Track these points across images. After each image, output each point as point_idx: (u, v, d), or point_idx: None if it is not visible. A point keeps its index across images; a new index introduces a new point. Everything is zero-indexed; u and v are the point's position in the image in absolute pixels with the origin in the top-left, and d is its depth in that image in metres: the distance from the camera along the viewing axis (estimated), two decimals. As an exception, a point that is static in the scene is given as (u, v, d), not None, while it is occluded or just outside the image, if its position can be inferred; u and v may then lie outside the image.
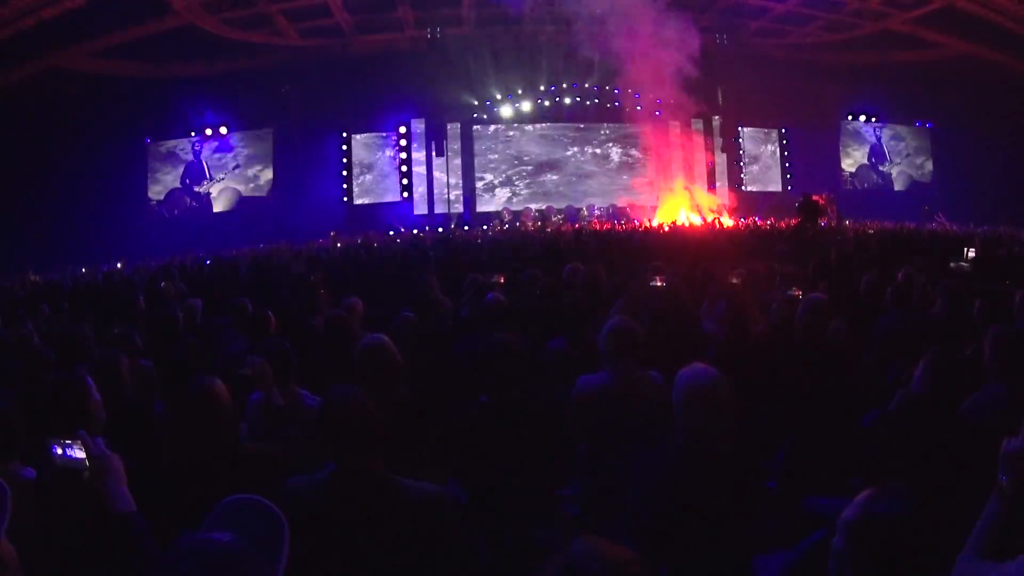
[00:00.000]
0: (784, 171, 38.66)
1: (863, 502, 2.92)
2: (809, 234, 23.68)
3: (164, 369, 7.11)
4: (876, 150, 39.41)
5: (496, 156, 37.42)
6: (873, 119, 38.29)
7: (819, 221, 25.32)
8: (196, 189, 35.78)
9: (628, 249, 19.53)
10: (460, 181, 36.61)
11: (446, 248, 22.33)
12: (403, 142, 36.12)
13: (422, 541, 4.11)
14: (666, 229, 28.10)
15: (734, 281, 11.11)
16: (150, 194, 35.29)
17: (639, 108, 35.41)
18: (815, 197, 32.94)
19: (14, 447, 4.91)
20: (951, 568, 3.18)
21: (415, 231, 32.20)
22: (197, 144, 35.67)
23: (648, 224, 30.48)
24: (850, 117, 37.92)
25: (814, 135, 37.51)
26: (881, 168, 39.44)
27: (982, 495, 3.36)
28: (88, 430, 4.87)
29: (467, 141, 36.72)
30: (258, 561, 2.66)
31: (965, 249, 17.00)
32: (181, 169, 35.73)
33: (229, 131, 35.04)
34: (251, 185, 36.05)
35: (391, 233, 30.82)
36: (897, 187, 39.25)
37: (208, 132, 34.70)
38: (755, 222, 31.21)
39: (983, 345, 5.77)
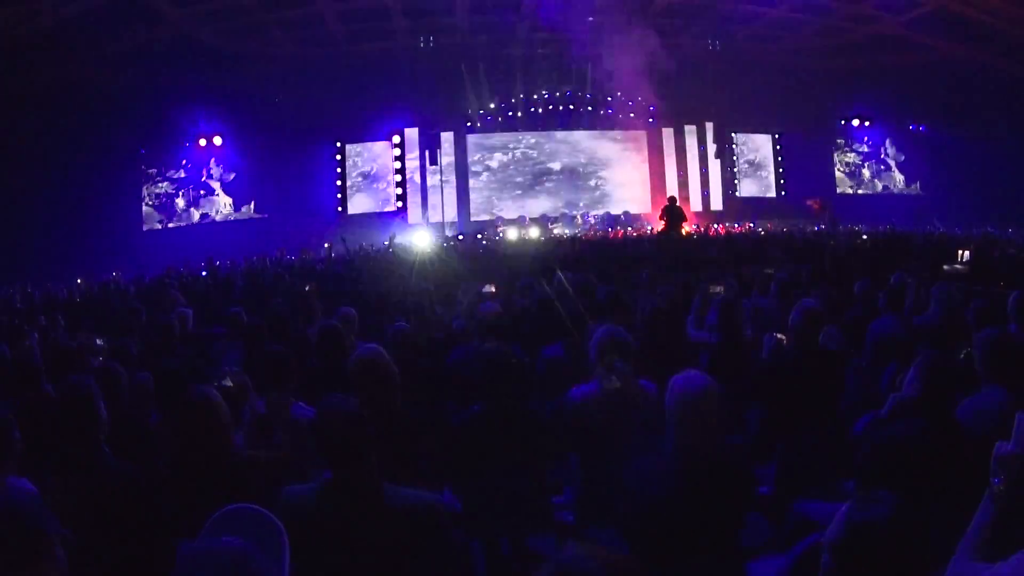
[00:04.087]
0: (778, 176, 38.66)
1: (845, 516, 2.94)
2: (673, 241, 23.58)
3: (159, 380, 7.12)
4: (870, 154, 39.43)
5: (490, 165, 37.41)
6: (867, 123, 38.27)
7: (682, 227, 25.03)
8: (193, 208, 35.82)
9: (622, 257, 19.56)
10: (454, 190, 36.56)
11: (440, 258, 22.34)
12: (397, 151, 36.08)
13: (417, 550, 4.13)
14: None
15: (717, 290, 11.13)
16: (144, 205, 35.22)
17: (632, 115, 35.48)
18: (808, 202, 33.10)
19: (7, 457, 4.91)
20: (943, 571, 3.20)
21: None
22: (187, 161, 35.69)
23: (642, 232, 30.57)
24: (843, 121, 37.90)
25: (808, 140, 37.52)
26: (875, 172, 39.47)
27: (975, 499, 3.37)
28: (96, 436, 4.93)
29: (461, 150, 36.69)
30: (267, 565, 2.68)
31: (959, 252, 17.03)
32: (174, 178, 35.69)
33: (223, 141, 34.98)
34: (246, 195, 36.04)
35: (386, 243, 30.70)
36: (890, 191, 39.26)
37: (202, 142, 34.60)
38: (750, 228, 31.34)
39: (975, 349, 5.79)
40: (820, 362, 6.81)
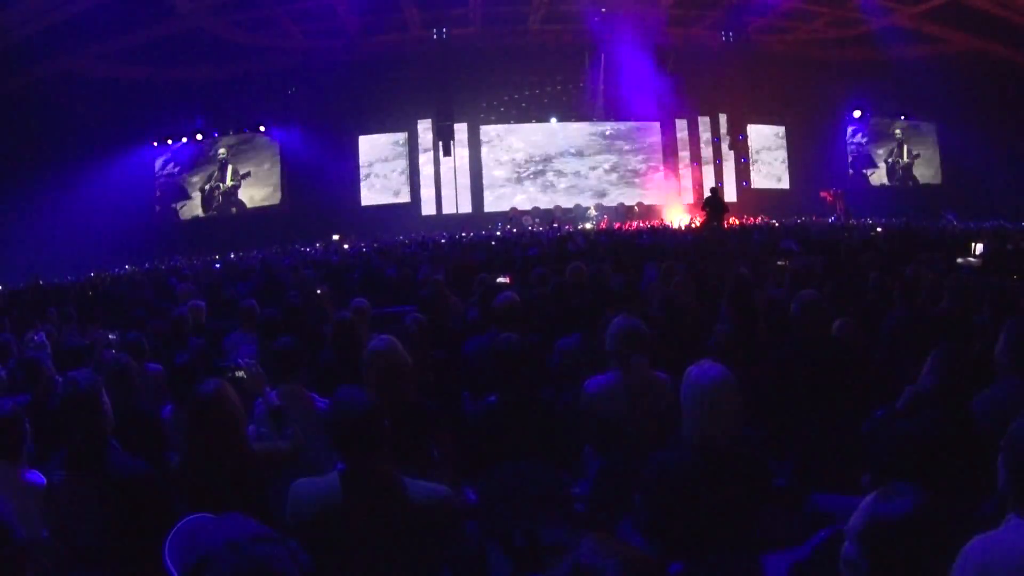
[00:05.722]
0: (791, 168, 38.56)
1: (869, 507, 2.92)
2: (715, 233, 23.40)
3: (171, 372, 7.12)
4: (882, 146, 39.29)
5: (503, 156, 37.40)
6: (879, 115, 38.10)
7: (724, 219, 24.78)
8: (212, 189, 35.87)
9: (636, 248, 19.52)
10: (468, 182, 36.57)
11: (455, 249, 22.33)
12: (410, 143, 36.09)
13: (430, 541, 4.13)
14: (679, 228, 28.11)
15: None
16: (156, 197, 35.26)
17: (646, 106, 35.31)
18: (822, 193, 33.03)
19: (19, 450, 4.92)
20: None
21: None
22: (198, 153, 35.74)
23: (657, 223, 30.49)
24: (856, 113, 37.74)
25: (821, 131, 37.43)
26: (887, 165, 39.33)
27: (991, 491, 3.35)
28: (101, 430, 4.92)
29: (474, 141, 36.69)
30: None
31: (973, 244, 17.00)
32: (185, 170, 35.76)
33: (236, 133, 34.98)
34: (260, 188, 36.08)
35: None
36: (903, 184, 39.11)
37: (215, 135, 34.61)
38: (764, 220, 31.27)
39: (997, 339, 5.74)
40: (832, 354, 6.78)
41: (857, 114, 37.47)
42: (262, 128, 34.99)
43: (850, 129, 38.56)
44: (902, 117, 38.21)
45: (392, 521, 4.06)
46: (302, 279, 15.93)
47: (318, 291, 13.12)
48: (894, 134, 39.00)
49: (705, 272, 12.78)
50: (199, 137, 34.82)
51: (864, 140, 38.97)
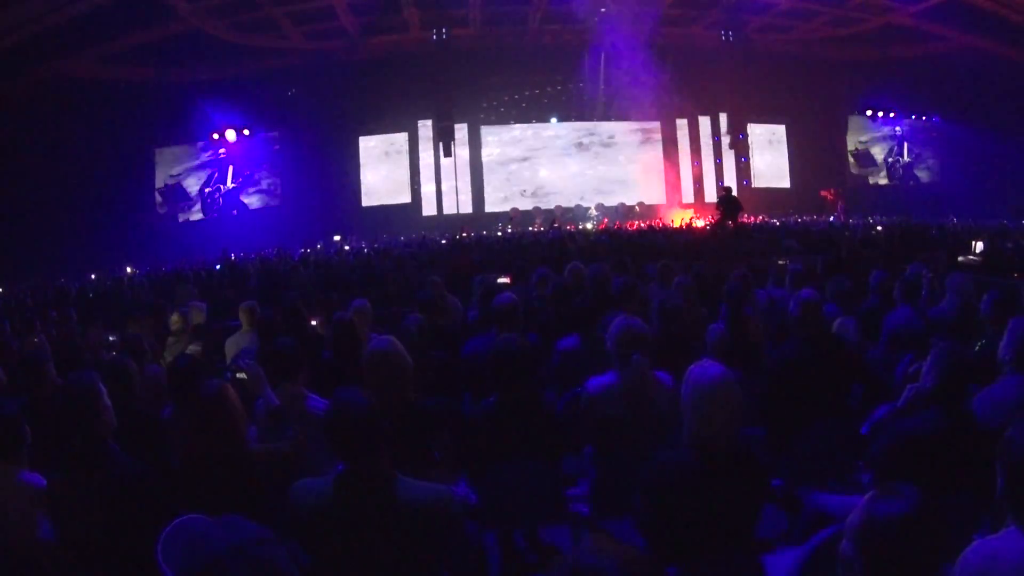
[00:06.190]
0: (791, 167, 38.53)
1: (867, 506, 2.92)
2: (728, 231, 23.35)
3: (171, 373, 7.10)
4: (882, 145, 39.28)
5: (504, 156, 37.38)
6: (879, 114, 38.08)
7: (739, 217, 24.71)
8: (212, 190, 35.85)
9: (637, 248, 19.51)
10: (468, 182, 36.58)
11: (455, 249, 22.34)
12: (410, 143, 36.07)
13: (429, 542, 4.12)
14: (680, 227, 28.09)
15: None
16: (157, 199, 35.21)
17: (646, 106, 35.26)
18: (823, 192, 33.01)
19: (18, 451, 4.92)
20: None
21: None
22: (200, 155, 35.71)
23: (659, 223, 30.45)
24: (856, 112, 37.73)
25: (821, 130, 37.41)
26: (888, 163, 39.31)
27: (991, 490, 3.35)
28: (97, 432, 4.91)
29: (475, 141, 36.68)
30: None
31: (973, 243, 17.01)
32: (186, 171, 35.73)
33: (237, 135, 34.93)
34: (259, 190, 36.05)
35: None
36: (904, 182, 39.08)
37: (215, 136, 34.52)
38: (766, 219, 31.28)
39: (999, 337, 5.73)
40: (832, 353, 6.77)
41: (868, 113, 37.48)
42: (263, 129, 34.97)
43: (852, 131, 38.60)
44: (902, 115, 38.19)
45: (391, 522, 4.05)
46: (301, 281, 15.93)
47: (312, 322, 12.49)
48: (892, 132, 38.98)
49: (706, 272, 12.78)
50: (199, 139, 34.77)
51: (864, 138, 38.98)
